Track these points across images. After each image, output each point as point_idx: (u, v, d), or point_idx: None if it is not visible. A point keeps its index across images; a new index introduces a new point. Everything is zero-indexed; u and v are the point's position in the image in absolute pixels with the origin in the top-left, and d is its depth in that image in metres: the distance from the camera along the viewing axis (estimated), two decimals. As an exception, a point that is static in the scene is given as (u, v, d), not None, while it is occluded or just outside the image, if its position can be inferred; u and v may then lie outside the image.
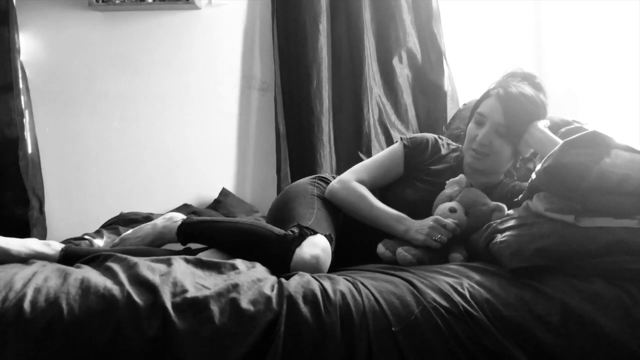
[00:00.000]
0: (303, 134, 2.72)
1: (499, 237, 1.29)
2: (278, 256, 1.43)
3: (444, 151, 1.78)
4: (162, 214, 2.50)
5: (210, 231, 1.60)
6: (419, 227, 1.50)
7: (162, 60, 2.74)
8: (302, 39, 2.70)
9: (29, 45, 2.63)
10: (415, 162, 1.76)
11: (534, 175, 1.33)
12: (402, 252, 1.45)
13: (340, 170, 2.71)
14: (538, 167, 1.31)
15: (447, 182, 1.57)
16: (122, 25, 2.71)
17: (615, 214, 1.22)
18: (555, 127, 2.01)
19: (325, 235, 1.51)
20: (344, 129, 2.76)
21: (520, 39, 2.88)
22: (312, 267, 1.40)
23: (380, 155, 1.85)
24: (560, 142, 1.34)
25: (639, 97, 2.22)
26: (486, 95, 1.66)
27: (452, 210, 1.49)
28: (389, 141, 2.73)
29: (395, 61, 2.77)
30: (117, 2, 2.63)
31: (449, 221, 1.47)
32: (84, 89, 2.70)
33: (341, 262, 1.54)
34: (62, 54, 2.69)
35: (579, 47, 2.59)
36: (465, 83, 2.81)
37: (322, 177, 1.86)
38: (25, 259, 1.41)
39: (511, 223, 1.32)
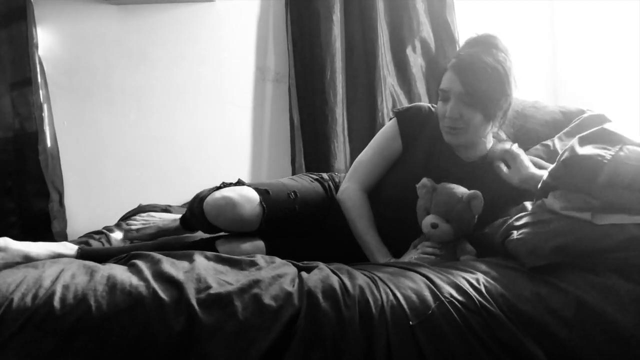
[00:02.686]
0: (317, 124, 2.74)
1: (515, 234, 1.31)
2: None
3: (433, 123, 1.69)
4: (180, 206, 2.57)
5: (189, 212, 1.71)
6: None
7: (177, 53, 2.76)
8: (316, 30, 2.70)
9: (46, 40, 2.67)
10: (412, 131, 1.72)
11: (546, 176, 1.35)
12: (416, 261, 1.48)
13: (354, 160, 2.73)
14: (551, 166, 1.33)
15: (416, 186, 1.55)
16: (137, 19, 2.74)
17: (629, 211, 1.24)
18: (571, 115, 2.02)
19: (258, 189, 1.57)
20: (358, 120, 2.78)
21: (535, 28, 2.87)
22: (219, 207, 1.50)
23: (375, 141, 1.80)
24: (543, 174, 1.39)
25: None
26: (444, 71, 1.62)
27: (434, 226, 1.48)
28: (403, 131, 2.74)
29: (408, 51, 2.78)
30: (132, -5, 2.65)
31: (425, 250, 1.50)
32: (100, 82, 2.73)
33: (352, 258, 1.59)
34: (79, 48, 2.72)
35: (593, 38, 2.58)
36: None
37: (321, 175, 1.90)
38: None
39: (527, 220, 1.34)
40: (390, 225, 1.66)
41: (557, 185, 1.33)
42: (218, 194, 1.54)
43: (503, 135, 1.78)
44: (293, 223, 1.67)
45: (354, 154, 2.76)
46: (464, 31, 2.78)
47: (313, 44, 2.71)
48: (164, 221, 1.92)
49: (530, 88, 2.79)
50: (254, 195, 1.57)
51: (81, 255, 1.52)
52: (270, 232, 1.62)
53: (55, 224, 2.63)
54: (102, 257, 1.47)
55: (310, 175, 1.88)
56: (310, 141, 2.75)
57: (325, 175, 1.88)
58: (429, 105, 1.78)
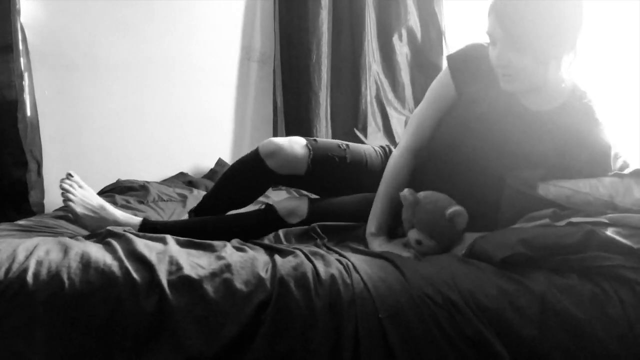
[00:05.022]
0: (300, 107, 2.75)
1: (479, 240, 1.36)
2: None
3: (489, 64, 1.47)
4: (159, 182, 2.56)
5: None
6: (382, 242, 1.49)
7: (163, 28, 2.74)
8: (304, 12, 2.70)
9: (29, 6, 2.62)
10: (465, 75, 1.55)
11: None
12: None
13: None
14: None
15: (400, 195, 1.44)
16: (124, -8, 2.70)
17: (584, 215, 1.30)
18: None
19: (306, 138, 1.74)
20: (341, 105, 2.79)
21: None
22: (269, 150, 1.67)
23: (429, 91, 1.64)
24: None
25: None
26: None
27: (418, 243, 1.43)
28: (385, 119, 2.77)
29: (395, 39, 2.79)
30: (119, -33, 2.61)
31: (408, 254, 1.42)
32: (84, 53, 2.70)
33: None
34: (63, 17, 2.68)
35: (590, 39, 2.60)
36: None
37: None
38: None
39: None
40: (439, 179, 1.54)
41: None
42: (268, 140, 1.71)
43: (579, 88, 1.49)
44: (342, 173, 1.73)
45: (335, 138, 2.77)
46: (450, 22, 2.79)
47: (300, 26, 2.71)
48: None
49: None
50: (301, 140, 1.72)
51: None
52: (319, 179, 1.73)
53: (33, 194, 2.62)
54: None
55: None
56: (293, 124, 2.76)
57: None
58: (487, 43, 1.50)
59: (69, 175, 1.68)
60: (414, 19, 2.78)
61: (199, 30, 2.78)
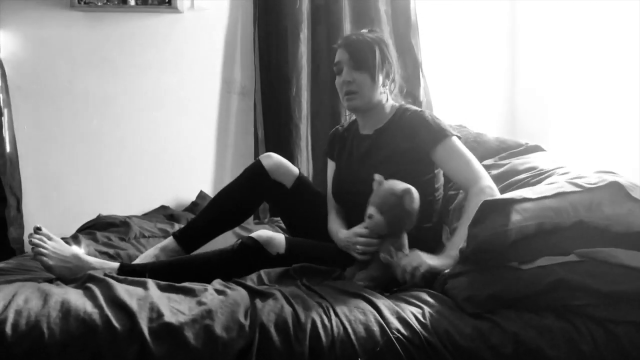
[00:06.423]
0: (281, 139, 2.77)
1: (451, 282, 1.38)
2: None
3: (341, 130, 2.00)
4: (140, 216, 2.56)
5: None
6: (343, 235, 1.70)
7: (143, 62, 2.76)
8: (283, 46, 2.74)
9: (8, 42, 2.64)
10: (331, 152, 2.01)
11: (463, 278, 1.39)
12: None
13: (316, 176, 2.78)
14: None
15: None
16: (103, 27, 2.72)
17: (551, 253, 1.32)
18: (508, 149, 2.04)
19: None
20: (322, 136, 2.82)
21: (495, 53, 2.95)
22: (269, 155, 1.90)
23: None
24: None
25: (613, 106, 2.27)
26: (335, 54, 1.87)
27: (369, 217, 1.55)
28: (365, 149, 2.79)
29: (373, 70, 2.82)
30: (99, 3, 2.64)
31: (357, 240, 1.59)
32: (64, 88, 2.72)
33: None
34: (42, 53, 2.70)
35: (553, 66, 2.67)
36: (440, 94, 2.87)
37: None
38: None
39: (460, 269, 1.40)
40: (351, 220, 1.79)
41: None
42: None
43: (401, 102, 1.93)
44: (317, 207, 1.93)
45: (316, 169, 2.80)
46: (426, 53, 2.85)
47: (280, 60, 2.74)
48: None
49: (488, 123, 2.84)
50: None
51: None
52: (300, 197, 1.91)
53: (12, 230, 2.61)
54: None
55: None
56: (274, 156, 2.77)
57: None
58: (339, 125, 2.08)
59: (37, 230, 1.65)
60: (391, 52, 2.82)
61: (179, 64, 2.80)
